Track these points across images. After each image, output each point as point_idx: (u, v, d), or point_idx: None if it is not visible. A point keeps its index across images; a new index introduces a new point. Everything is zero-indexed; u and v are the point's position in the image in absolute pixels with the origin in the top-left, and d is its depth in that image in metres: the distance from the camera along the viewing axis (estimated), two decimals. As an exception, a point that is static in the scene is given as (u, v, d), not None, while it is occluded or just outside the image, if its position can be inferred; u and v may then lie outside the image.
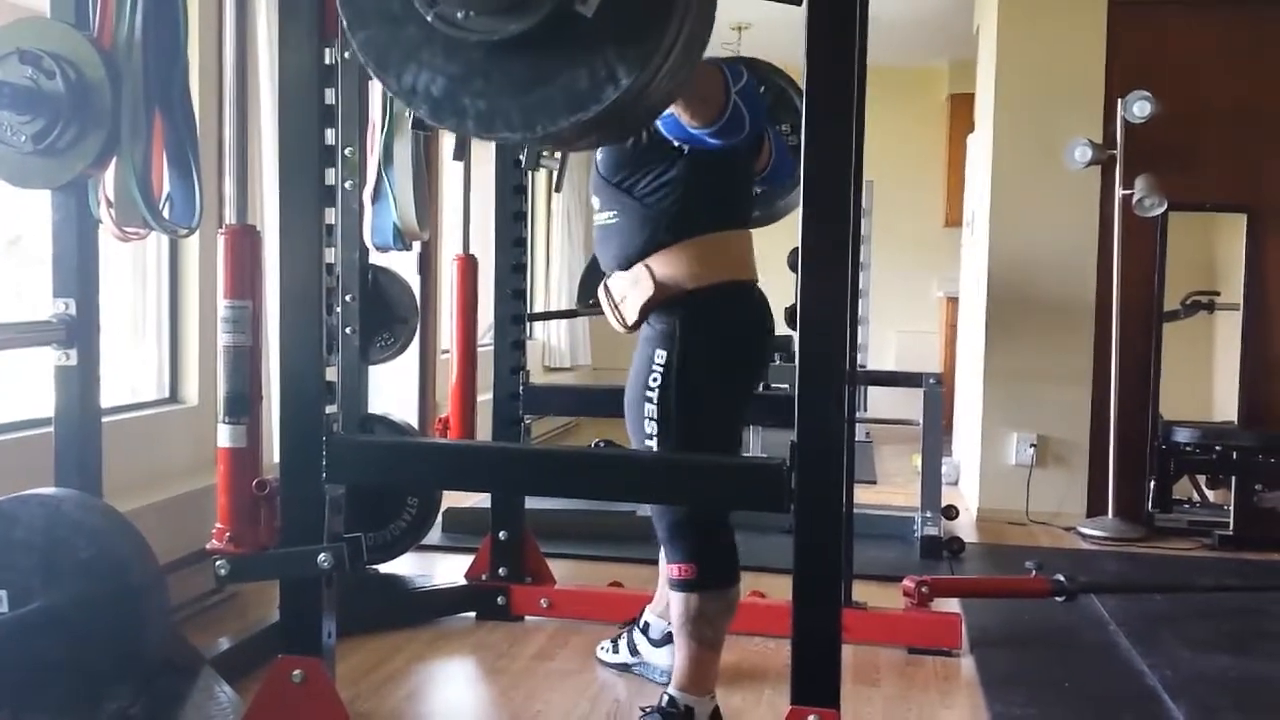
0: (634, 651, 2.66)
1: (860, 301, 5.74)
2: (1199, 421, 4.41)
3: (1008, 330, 4.59)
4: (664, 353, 2.19)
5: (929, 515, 3.90)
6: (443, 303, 3.89)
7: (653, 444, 2.19)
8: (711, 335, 2.19)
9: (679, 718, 2.21)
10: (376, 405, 3.40)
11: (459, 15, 1.48)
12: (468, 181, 3.45)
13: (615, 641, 2.72)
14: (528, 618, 3.06)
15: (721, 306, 2.21)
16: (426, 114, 1.57)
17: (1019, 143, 4.55)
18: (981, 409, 4.66)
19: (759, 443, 5.33)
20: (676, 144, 2.12)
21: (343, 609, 2.10)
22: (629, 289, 2.22)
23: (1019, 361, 4.57)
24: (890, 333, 7.34)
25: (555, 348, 6.90)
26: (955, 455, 5.49)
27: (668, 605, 2.34)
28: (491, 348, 3.16)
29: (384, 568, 3.26)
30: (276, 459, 2.01)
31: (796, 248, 1.68)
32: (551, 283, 6.96)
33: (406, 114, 2.87)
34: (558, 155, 3.56)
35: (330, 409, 1.99)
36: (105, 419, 2.29)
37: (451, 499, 3.82)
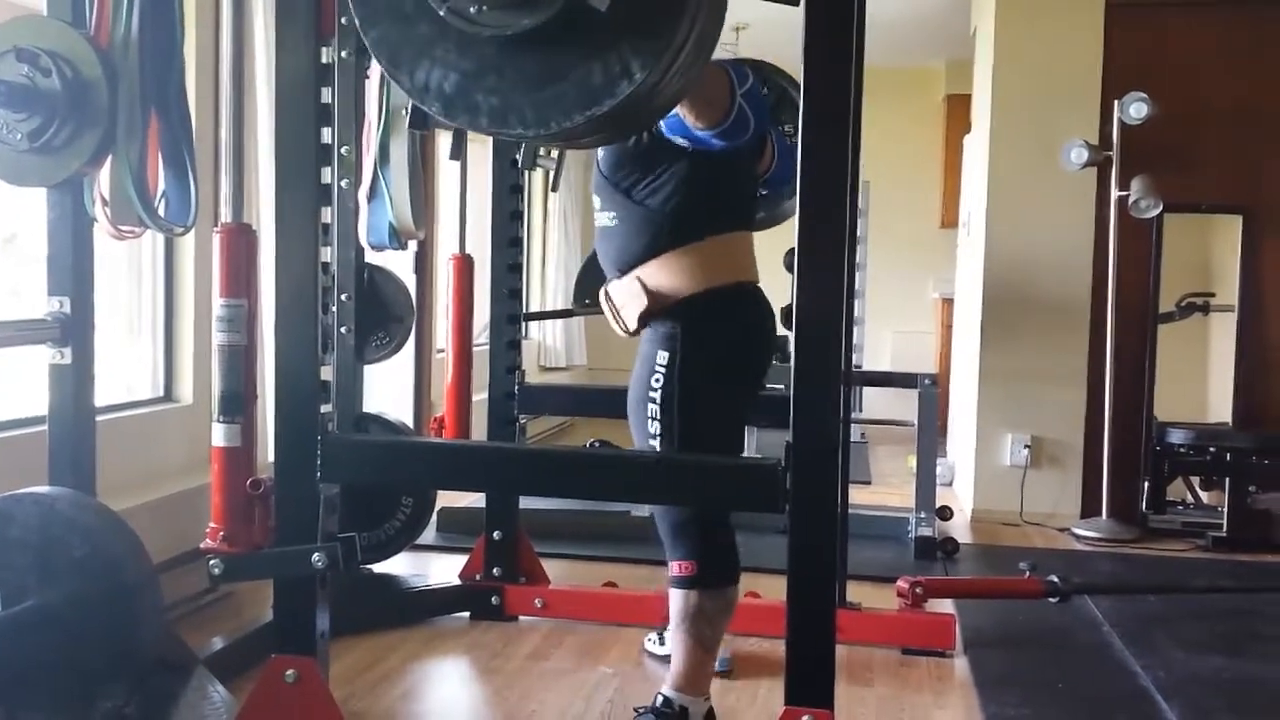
0: None
1: (856, 302, 5.77)
2: (1193, 423, 4.42)
3: (1003, 331, 4.60)
4: (666, 354, 2.19)
5: (923, 516, 3.90)
6: (438, 302, 3.90)
7: (656, 443, 2.19)
8: (713, 337, 2.20)
9: (674, 718, 2.21)
10: (371, 404, 3.40)
11: (472, 10, 1.49)
12: (464, 181, 3.46)
13: (661, 634, 2.71)
14: (522, 618, 3.06)
15: (723, 309, 2.21)
16: (439, 111, 1.57)
17: (1016, 144, 4.56)
18: (976, 410, 4.67)
19: (754, 443, 5.33)
20: (679, 144, 2.12)
21: (337, 609, 2.10)
22: (628, 299, 2.23)
23: (1014, 362, 4.58)
24: (886, 333, 7.34)
25: (551, 347, 6.90)
26: (950, 456, 5.49)
27: None
28: (487, 347, 3.16)
29: (378, 567, 3.25)
30: (271, 458, 2.01)
31: (792, 248, 1.69)
32: (547, 282, 6.95)
33: (403, 112, 2.87)
34: (554, 155, 3.57)
35: (325, 408, 1.99)
36: (100, 417, 2.29)
37: (446, 498, 3.81)
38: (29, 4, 2.62)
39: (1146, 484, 4.31)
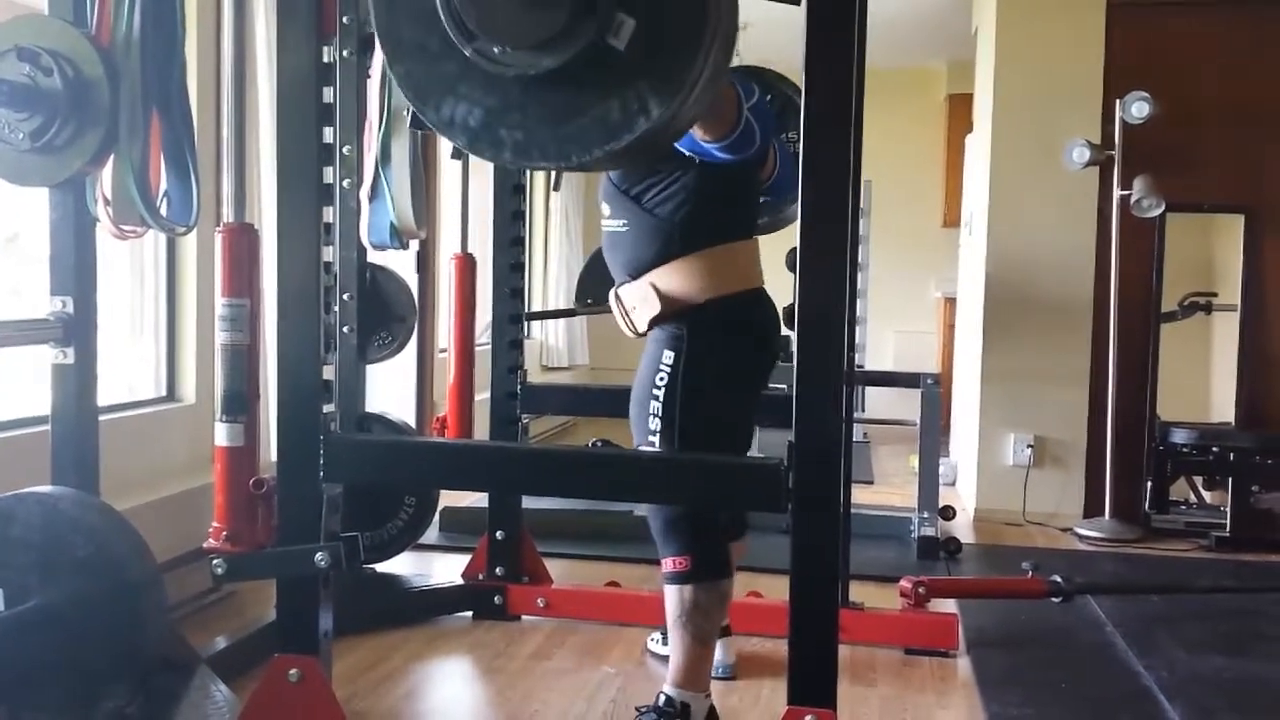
0: None
1: (858, 302, 5.77)
2: (1196, 422, 4.41)
3: (1005, 331, 4.59)
4: (671, 354, 2.22)
5: (926, 516, 3.90)
6: (441, 301, 3.89)
7: (655, 440, 2.21)
8: (719, 340, 2.23)
9: (675, 715, 2.21)
10: (374, 404, 3.40)
11: (496, 51, 1.53)
12: (466, 180, 3.46)
13: (664, 634, 2.71)
14: (524, 617, 3.06)
15: (729, 314, 2.24)
16: (465, 144, 1.62)
17: (1017, 143, 4.56)
18: (979, 409, 4.66)
19: (757, 442, 5.32)
20: (687, 154, 2.14)
21: (339, 608, 2.10)
22: (639, 302, 2.26)
23: (1017, 362, 4.58)
24: (888, 333, 7.34)
25: (553, 347, 6.90)
26: (952, 456, 5.49)
27: None
28: (489, 347, 3.16)
29: (381, 567, 3.25)
30: (274, 457, 2.01)
31: (795, 248, 1.69)
32: (549, 282, 6.96)
33: (404, 112, 2.86)
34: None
35: (328, 408, 2.00)
36: (102, 417, 2.29)
37: (448, 498, 3.82)
38: (30, 3, 2.62)
39: (1149, 484, 4.31)
